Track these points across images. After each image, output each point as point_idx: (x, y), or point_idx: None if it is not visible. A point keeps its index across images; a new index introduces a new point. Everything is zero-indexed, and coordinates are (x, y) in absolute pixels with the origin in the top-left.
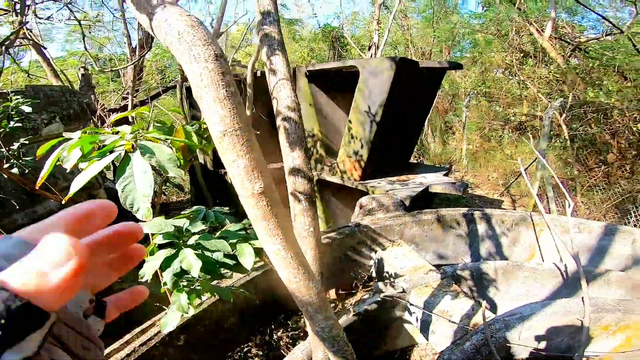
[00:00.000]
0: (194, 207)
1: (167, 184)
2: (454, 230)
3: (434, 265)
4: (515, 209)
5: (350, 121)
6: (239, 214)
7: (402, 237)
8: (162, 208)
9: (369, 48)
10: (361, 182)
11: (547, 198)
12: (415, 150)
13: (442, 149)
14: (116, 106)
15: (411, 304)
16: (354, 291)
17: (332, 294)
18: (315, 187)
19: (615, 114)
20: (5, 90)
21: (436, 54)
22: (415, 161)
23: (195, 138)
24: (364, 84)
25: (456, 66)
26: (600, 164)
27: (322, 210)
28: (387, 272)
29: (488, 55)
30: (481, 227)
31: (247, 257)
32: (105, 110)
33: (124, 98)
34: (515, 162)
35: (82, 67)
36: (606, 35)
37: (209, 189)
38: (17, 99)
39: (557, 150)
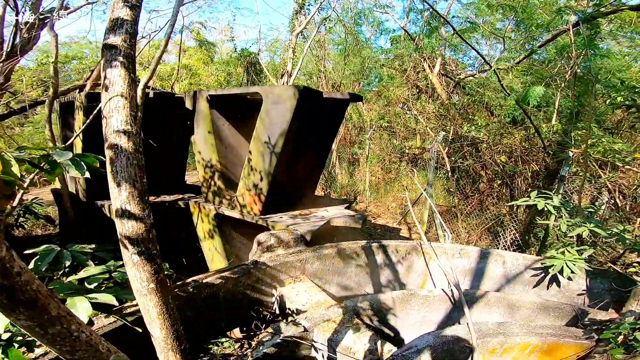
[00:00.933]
0: (43, 247)
1: (27, 215)
2: (355, 262)
3: (339, 297)
4: (411, 237)
5: (250, 152)
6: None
7: (304, 272)
8: (20, 243)
9: (282, 76)
10: (261, 217)
11: (437, 228)
12: (323, 181)
13: (349, 180)
14: None
15: (315, 342)
16: (258, 332)
17: (236, 333)
18: (213, 221)
19: (484, 147)
20: None
21: (347, 86)
22: (323, 193)
23: (16, 168)
24: (266, 112)
25: (356, 98)
26: (475, 192)
27: (222, 246)
28: (289, 309)
29: (390, 90)
30: (379, 258)
31: (80, 312)
32: None
33: None
34: (404, 195)
35: None
36: (480, 72)
37: (82, 223)
38: None
39: (442, 181)
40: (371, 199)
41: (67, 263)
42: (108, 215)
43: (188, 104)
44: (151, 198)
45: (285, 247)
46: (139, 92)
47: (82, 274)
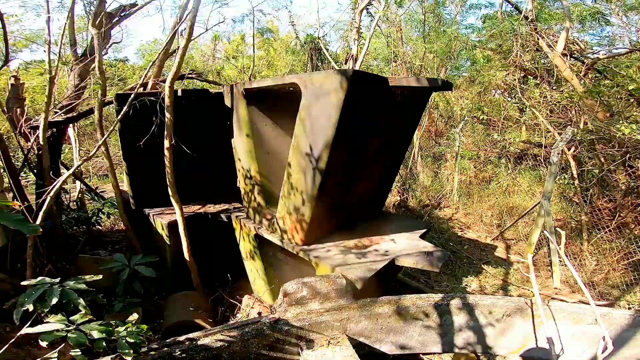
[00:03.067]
0: (37, 280)
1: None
2: (421, 322)
3: (393, 356)
4: (508, 258)
5: (290, 164)
6: (166, 266)
7: (346, 331)
8: (96, 240)
9: (346, 61)
10: (303, 247)
11: (549, 248)
12: (399, 182)
13: (432, 179)
14: (56, 119)
15: None
16: None
17: None
18: (254, 242)
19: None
20: None
21: (430, 72)
22: (398, 198)
23: None
24: (306, 111)
25: (443, 86)
26: (612, 205)
27: (263, 270)
28: None
29: (487, 74)
30: (461, 318)
31: None
32: (30, 126)
33: (68, 109)
34: (512, 198)
35: (12, 75)
36: (630, 51)
37: (135, 231)
38: None
39: (561, 187)
40: (459, 204)
41: (54, 300)
42: (153, 224)
43: (227, 101)
44: (195, 208)
45: (322, 300)
46: (167, 90)
47: (40, 327)
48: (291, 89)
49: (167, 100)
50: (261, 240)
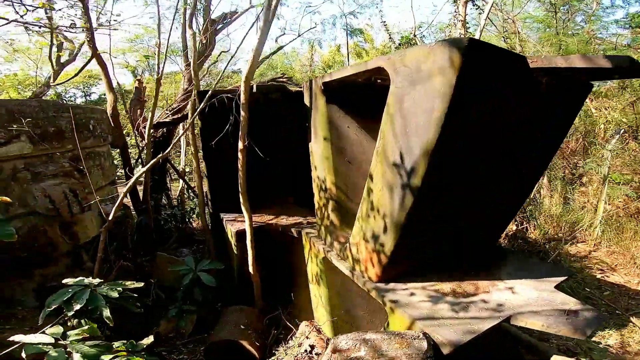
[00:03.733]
0: (74, 280)
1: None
2: None
3: None
4: None
5: (371, 177)
6: (232, 274)
7: None
8: (187, 237)
9: None
10: (378, 285)
11: None
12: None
13: (562, 207)
14: (165, 119)
15: None
16: None
17: None
18: (322, 265)
19: None
20: None
21: None
22: (514, 227)
23: None
24: (396, 103)
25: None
26: None
27: (327, 299)
28: None
29: None
30: None
31: None
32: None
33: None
34: None
35: (137, 79)
36: None
37: (214, 234)
38: None
39: None
40: (602, 239)
41: (78, 306)
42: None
43: (306, 99)
44: (267, 218)
45: None
46: (242, 85)
47: (26, 338)
48: (379, 80)
49: (242, 97)
50: (328, 266)
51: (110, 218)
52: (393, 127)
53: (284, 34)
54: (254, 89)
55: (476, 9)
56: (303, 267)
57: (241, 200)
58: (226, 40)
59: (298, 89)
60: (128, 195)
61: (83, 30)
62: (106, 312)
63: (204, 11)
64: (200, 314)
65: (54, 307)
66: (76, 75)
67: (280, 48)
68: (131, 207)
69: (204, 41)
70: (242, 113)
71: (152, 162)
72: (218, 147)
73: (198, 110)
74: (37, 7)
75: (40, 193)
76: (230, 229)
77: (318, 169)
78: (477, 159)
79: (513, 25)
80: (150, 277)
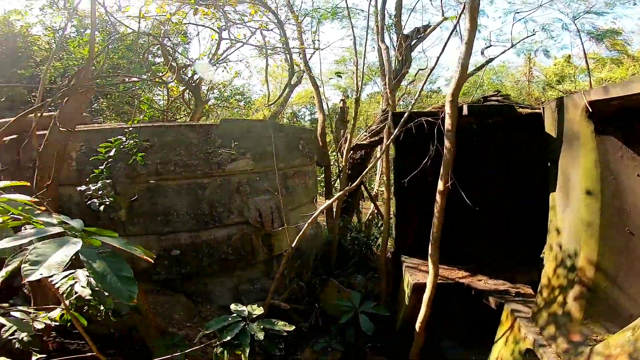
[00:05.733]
0: (236, 309)
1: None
2: None
3: None
4: None
5: None
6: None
7: None
8: (363, 262)
9: None
10: None
11: None
12: None
13: None
14: (363, 141)
15: None
16: None
17: None
18: (519, 356)
19: None
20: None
21: None
22: None
23: None
24: None
25: None
26: None
27: None
28: None
29: None
30: None
31: None
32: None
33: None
34: None
35: (342, 99)
36: None
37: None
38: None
39: None
40: None
41: (227, 338)
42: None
43: (548, 125)
44: (459, 274)
45: None
46: (447, 107)
47: None
48: None
49: (447, 121)
50: None
51: (294, 244)
52: None
53: (490, 45)
54: (464, 111)
55: None
56: (486, 343)
57: (430, 250)
58: (422, 58)
59: (530, 111)
60: (324, 212)
61: (287, 51)
62: (245, 353)
63: (395, 26)
64: (345, 355)
65: (210, 330)
66: (288, 97)
67: (490, 61)
68: (323, 226)
69: (399, 58)
70: (447, 143)
71: (345, 189)
72: (412, 181)
73: (392, 136)
74: (257, 29)
75: (253, 206)
76: (409, 279)
77: (564, 235)
78: None
79: None
80: (317, 300)
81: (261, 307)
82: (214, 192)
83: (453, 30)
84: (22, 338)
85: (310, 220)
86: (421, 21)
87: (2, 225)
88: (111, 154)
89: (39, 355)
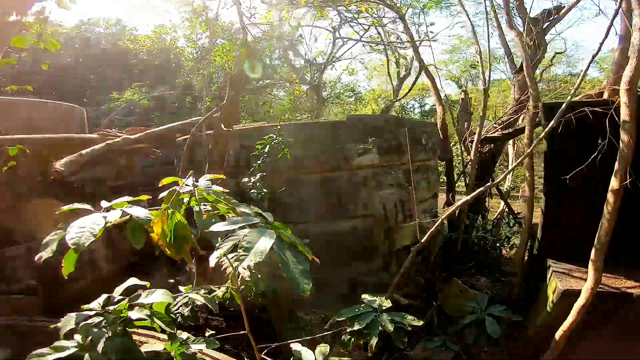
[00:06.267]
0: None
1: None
2: None
3: None
4: None
5: None
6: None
7: None
8: (486, 264)
9: None
10: None
11: None
12: None
13: None
14: (493, 134)
15: None
16: None
17: None
18: None
19: None
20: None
21: None
22: None
23: None
24: None
25: None
26: None
27: None
28: None
29: None
30: None
31: None
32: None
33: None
34: None
35: (462, 90)
36: None
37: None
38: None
39: None
40: None
41: (357, 327)
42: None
43: None
44: (627, 284)
45: None
46: (623, 95)
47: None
48: None
49: (624, 111)
50: None
51: (423, 240)
52: None
53: None
54: None
55: None
56: None
57: (592, 255)
58: (556, 40)
59: None
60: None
61: (405, 44)
62: (372, 342)
63: (517, 9)
64: (458, 356)
65: (342, 318)
66: (410, 90)
67: None
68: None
69: (530, 43)
70: (624, 136)
71: (486, 186)
72: (569, 179)
73: (548, 129)
74: (370, 25)
75: (378, 200)
76: (557, 285)
77: None
78: None
79: None
80: (435, 298)
81: (389, 300)
82: (342, 186)
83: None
84: (185, 313)
85: (445, 215)
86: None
87: (215, 214)
88: (266, 150)
89: (211, 332)
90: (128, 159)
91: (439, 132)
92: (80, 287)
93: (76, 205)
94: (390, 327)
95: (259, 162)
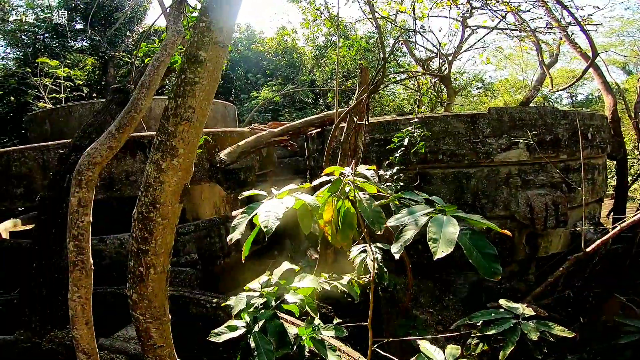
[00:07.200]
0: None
1: None
2: None
3: None
4: None
5: None
6: None
7: None
8: None
9: None
10: None
11: None
12: None
13: None
14: None
15: None
16: None
17: None
18: None
19: None
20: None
21: None
22: None
23: None
24: None
25: None
26: None
27: None
28: None
29: None
30: None
31: None
32: None
33: None
34: None
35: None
36: None
37: None
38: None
39: None
40: None
41: (491, 332)
42: None
43: None
44: None
45: None
46: None
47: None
48: None
49: None
50: None
51: (589, 249)
52: None
53: None
54: None
55: None
56: None
57: None
58: None
59: None
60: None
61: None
62: (507, 350)
63: None
64: None
65: (474, 321)
66: (579, 79)
67: None
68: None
69: None
70: None
71: None
72: None
73: None
74: (507, 12)
75: (523, 200)
76: None
77: None
78: None
79: None
80: (584, 313)
81: (530, 308)
82: (479, 183)
83: None
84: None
85: (627, 224)
86: None
87: (390, 200)
88: (405, 142)
89: (339, 320)
90: (269, 150)
91: (610, 126)
92: (227, 262)
93: (255, 192)
94: (535, 336)
95: (396, 155)
